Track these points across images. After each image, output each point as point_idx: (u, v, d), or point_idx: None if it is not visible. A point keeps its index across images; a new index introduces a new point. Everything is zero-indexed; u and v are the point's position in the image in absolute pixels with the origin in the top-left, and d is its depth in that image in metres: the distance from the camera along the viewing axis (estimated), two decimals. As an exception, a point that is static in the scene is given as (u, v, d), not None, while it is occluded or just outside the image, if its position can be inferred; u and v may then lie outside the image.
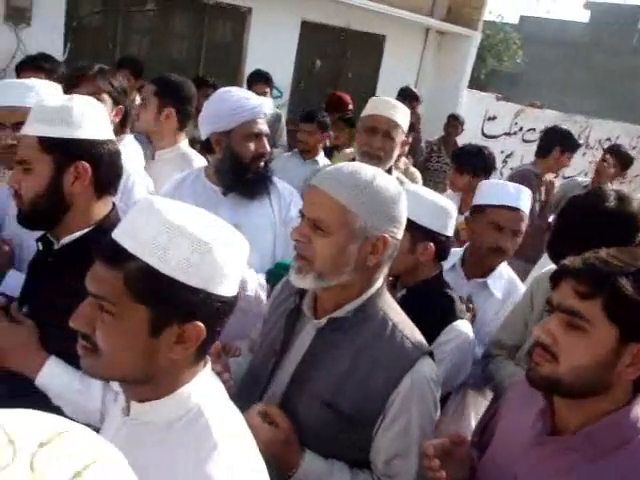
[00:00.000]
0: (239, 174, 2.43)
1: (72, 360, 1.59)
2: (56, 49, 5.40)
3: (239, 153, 2.41)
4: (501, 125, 10.10)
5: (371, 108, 2.97)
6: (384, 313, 1.58)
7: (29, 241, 2.17)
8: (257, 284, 2.32)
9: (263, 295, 2.32)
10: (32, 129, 1.64)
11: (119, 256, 1.04)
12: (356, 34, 8.30)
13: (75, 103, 1.65)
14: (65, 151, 1.62)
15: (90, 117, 1.66)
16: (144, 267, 1.03)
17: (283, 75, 7.40)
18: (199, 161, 3.08)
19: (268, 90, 5.31)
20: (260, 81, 5.37)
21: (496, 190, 2.58)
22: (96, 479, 0.58)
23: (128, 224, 1.08)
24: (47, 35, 5.58)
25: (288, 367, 1.63)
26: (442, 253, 2.14)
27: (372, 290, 1.58)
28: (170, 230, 1.03)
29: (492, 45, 20.84)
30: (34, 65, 3.49)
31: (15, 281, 2.16)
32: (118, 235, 1.08)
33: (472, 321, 2.30)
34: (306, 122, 4.58)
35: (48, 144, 1.61)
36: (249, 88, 5.25)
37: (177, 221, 1.04)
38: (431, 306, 2.01)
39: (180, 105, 3.09)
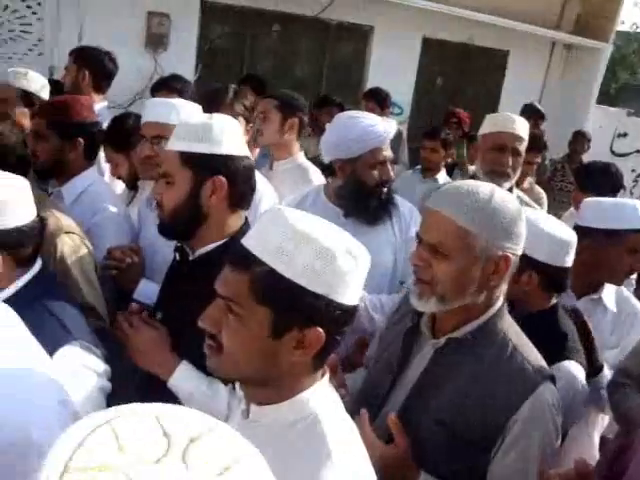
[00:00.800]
0: (362, 201, 2.42)
1: (202, 365, 1.71)
2: (188, 70, 5.75)
3: (363, 181, 2.41)
4: (632, 142, 9.52)
5: (493, 125, 2.91)
6: (504, 334, 1.55)
7: (163, 251, 2.33)
8: (369, 303, 2.33)
9: (377, 315, 2.32)
10: (175, 145, 1.75)
11: (247, 260, 1.10)
12: (478, 50, 8.17)
13: (215, 121, 1.74)
14: (204, 166, 1.71)
15: (228, 134, 1.75)
16: (270, 271, 1.08)
17: (404, 92, 7.43)
18: (315, 173, 3.19)
19: (383, 106, 5.33)
20: (373, 97, 5.39)
21: (633, 213, 2.41)
22: (242, 475, 0.62)
23: (257, 230, 1.14)
24: (181, 58, 5.96)
25: (405, 385, 1.63)
26: (555, 284, 1.99)
27: (493, 310, 1.56)
28: (296, 237, 1.07)
29: (624, 57, 19.73)
30: (167, 86, 3.76)
31: (148, 289, 2.32)
32: (247, 241, 1.14)
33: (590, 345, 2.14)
34: (430, 139, 4.54)
35: (188, 159, 1.71)
36: (365, 105, 5.32)
37: (303, 229, 1.08)
38: (540, 341, 1.91)
39: (302, 115, 3.22)
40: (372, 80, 7.02)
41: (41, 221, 1.64)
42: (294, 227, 1.09)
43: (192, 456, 0.60)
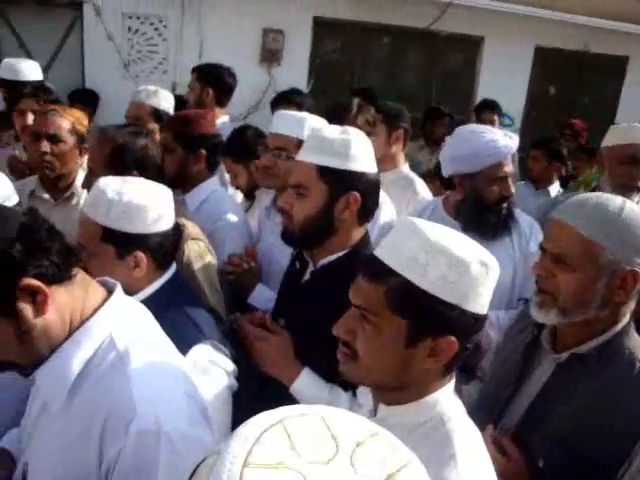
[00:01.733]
0: (481, 216, 2.39)
1: (322, 372, 1.76)
2: (301, 84, 5.91)
3: (483, 196, 2.39)
4: None
5: (621, 137, 2.80)
6: (630, 353, 1.50)
7: (279, 258, 2.41)
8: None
9: (492, 332, 2.28)
10: (310, 157, 1.78)
11: (381, 271, 1.14)
12: (594, 57, 7.83)
13: (352, 137, 1.77)
14: (341, 181, 1.75)
15: (363, 150, 1.78)
16: (404, 282, 1.11)
17: (515, 102, 7.25)
18: (421, 184, 3.22)
19: (496, 118, 5.24)
20: (487, 108, 5.32)
21: None
22: None
23: (390, 242, 1.18)
24: (294, 72, 6.14)
25: (523, 400, 1.61)
26: None
27: (618, 327, 1.51)
28: (430, 248, 1.10)
29: None
30: (287, 99, 3.89)
31: (263, 295, 2.41)
32: (380, 252, 1.18)
33: None
34: (534, 148, 4.41)
35: (326, 173, 1.75)
36: (477, 116, 5.24)
37: (437, 240, 1.11)
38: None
39: (406, 127, 3.25)
40: (482, 91, 6.92)
41: (177, 227, 1.75)
42: (428, 238, 1.11)
43: (359, 460, 0.61)
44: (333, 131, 1.82)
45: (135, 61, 6.00)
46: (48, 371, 1.18)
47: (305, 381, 1.76)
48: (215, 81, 3.90)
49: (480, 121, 4.65)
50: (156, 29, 6.00)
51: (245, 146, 2.99)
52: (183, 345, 1.45)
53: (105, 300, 1.23)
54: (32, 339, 1.13)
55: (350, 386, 1.69)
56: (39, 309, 1.11)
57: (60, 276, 1.13)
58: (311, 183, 1.77)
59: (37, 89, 3.88)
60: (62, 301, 1.15)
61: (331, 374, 1.70)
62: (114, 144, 2.21)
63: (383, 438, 0.67)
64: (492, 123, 4.71)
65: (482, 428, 1.60)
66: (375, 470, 0.61)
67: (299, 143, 2.17)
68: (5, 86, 4.11)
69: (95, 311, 1.20)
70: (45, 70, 6.08)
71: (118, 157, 2.19)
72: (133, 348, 1.20)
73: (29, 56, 6.00)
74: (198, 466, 0.68)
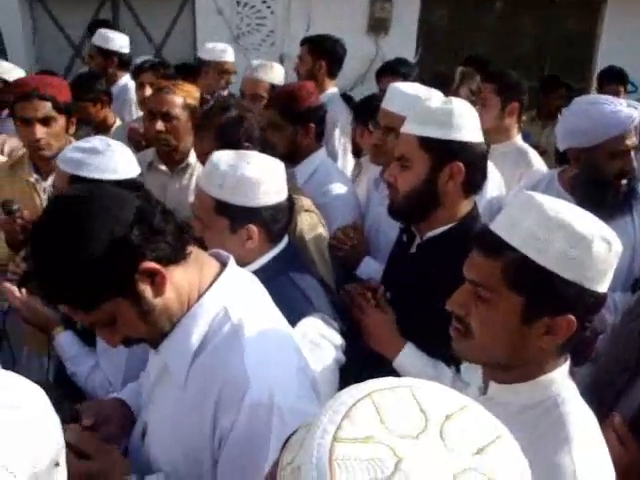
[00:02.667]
0: (598, 193, 2.24)
1: (427, 347, 1.75)
2: (409, 53, 5.80)
3: (601, 172, 2.25)
4: None
5: None
6: None
7: (386, 231, 2.40)
8: None
9: (608, 314, 2.18)
10: (413, 129, 1.77)
11: (498, 247, 1.11)
12: None
13: (455, 106, 1.74)
14: (443, 151, 1.72)
15: (467, 119, 1.74)
16: (522, 258, 1.08)
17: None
18: (535, 156, 3.07)
19: (622, 89, 4.89)
20: (613, 79, 4.96)
21: None
22: (498, 455, 0.61)
23: (507, 217, 1.14)
24: (402, 41, 6.03)
25: (641, 389, 1.54)
26: None
27: None
28: (550, 224, 1.06)
29: None
30: (391, 70, 3.83)
31: (370, 267, 2.42)
32: (497, 227, 1.14)
33: None
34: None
35: (428, 144, 1.73)
36: (600, 87, 4.93)
37: (557, 216, 1.07)
38: None
39: (522, 99, 3.10)
40: (602, 58, 6.49)
41: (290, 200, 1.76)
42: (548, 214, 1.07)
43: (449, 433, 0.61)
44: (435, 101, 1.79)
45: (244, 34, 6.11)
46: (170, 344, 1.23)
47: (408, 356, 1.76)
48: (327, 53, 3.88)
49: (603, 92, 4.36)
50: (264, 2, 6.07)
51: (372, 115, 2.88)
52: (293, 316, 1.47)
53: (219, 274, 1.26)
54: (154, 317, 1.18)
55: (454, 362, 1.67)
56: (158, 290, 1.15)
57: (176, 256, 1.17)
58: (413, 154, 1.75)
59: (156, 64, 4.05)
60: (179, 280, 1.19)
61: (435, 349, 1.72)
62: (220, 122, 2.25)
63: (473, 411, 0.65)
64: (617, 94, 4.40)
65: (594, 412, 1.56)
66: (465, 443, 0.61)
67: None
68: (99, 54, 4.43)
69: (210, 285, 1.23)
70: (160, 45, 6.34)
71: (225, 134, 2.22)
72: (247, 320, 1.22)
73: (144, 32, 6.28)
74: (289, 437, 0.69)
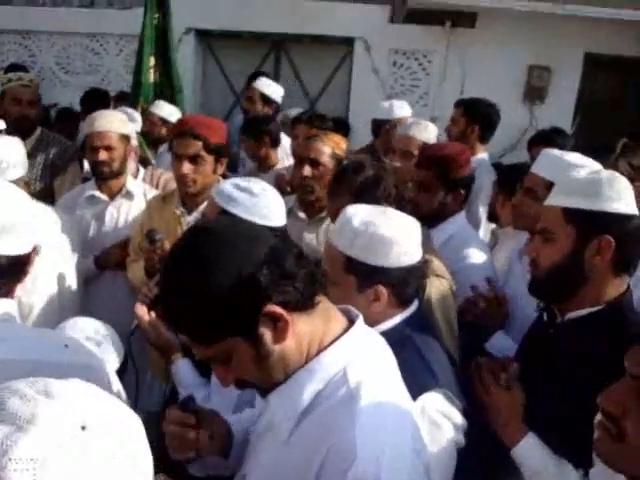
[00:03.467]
0: None
1: (551, 440, 1.59)
2: (565, 124, 5.58)
3: None
4: None
5: None
6: None
7: (524, 306, 2.26)
8: None
9: None
10: (558, 200, 1.67)
11: None
12: None
13: (604, 176, 1.63)
14: (590, 223, 1.60)
15: (619, 191, 1.61)
16: None
17: None
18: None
19: None
20: None
21: None
22: None
23: None
24: (558, 111, 5.83)
25: None
26: None
27: None
28: None
29: None
30: (546, 139, 3.68)
31: (502, 342, 2.27)
32: None
33: None
34: None
35: (573, 215, 1.62)
36: None
37: None
38: None
39: None
40: None
41: (423, 263, 1.69)
42: None
43: None
44: (582, 171, 1.68)
45: (397, 94, 6.19)
46: (280, 396, 1.18)
47: (529, 447, 1.61)
48: (481, 117, 3.82)
49: None
50: (420, 64, 6.14)
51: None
52: (413, 389, 1.35)
53: (345, 331, 1.19)
54: (270, 364, 1.13)
55: (582, 464, 1.49)
56: (279, 336, 1.10)
57: (303, 304, 1.12)
58: (557, 227, 1.65)
59: (312, 117, 4.21)
60: (302, 329, 1.13)
61: (562, 446, 1.57)
62: (357, 182, 2.24)
63: None
64: None
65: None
66: None
67: (549, 186, 2.04)
68: (260, 99, 4.89)
69: (333, 341, 1.17)
70: (315, 100, 6.59)
71: (363, 194, 2.20)
72: (365, 386, 1.13)
73: (302, 87, 6.56)
74: None
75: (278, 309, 1.08)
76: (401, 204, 2.10)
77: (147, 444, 0.83)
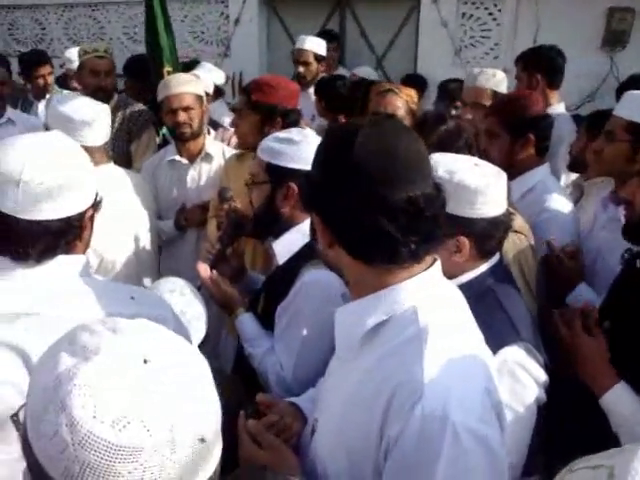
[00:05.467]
0: None
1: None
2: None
3: None
4: None
5: None
6: None
7: (606, 257, 2.19)
8: None
9: None
10: None
11: None
12: None
13: None
14: None
15: None
16: None
17: None
18: None
19: None
20: None
21: None
22: None
23: None
24: (640, 57, 5.50)
25: None
26: None
27: None
28: None
29: None
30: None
31: (585, 295, 2.20)
32: None
33: None
34: None
35: None
36: None
37: None
38: None
39: None
40: None
41: (508, 215, 1.64)
42: None
43: None
44: None
45: (467, 47, 5.99)
46: (344, 314, 1.25)
47: (619, 394, 1.58)
48: (542, 64, 3.62)
49: None
50: (490, 14, 5.90)
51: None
52: (494, 342, 1.33)
53: (423, 271, 1.18)
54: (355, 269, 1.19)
55: None
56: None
57: None
58: None
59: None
60: None
61: None
62: (439, 133, 2.20)
63: None
64: None
65: None
66: None
67: (629, 127, 1.94)
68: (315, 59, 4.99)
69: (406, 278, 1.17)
70: (382, 57, 6.47)
71: (446, 145, 2.17)
72: (435, 328, 1.13)
73: (368, 44, 6.45)
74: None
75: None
76: (481, 156, 2.05)
77: (213, 386, 0.87)
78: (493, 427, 1.10)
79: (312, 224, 1.23)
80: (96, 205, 1.44)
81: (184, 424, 0.79)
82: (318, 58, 5.03)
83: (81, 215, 1.38)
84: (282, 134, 1.99)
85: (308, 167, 1.84)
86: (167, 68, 4.02)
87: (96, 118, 2.51)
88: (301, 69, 4.95)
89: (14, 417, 0.96)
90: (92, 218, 1.45)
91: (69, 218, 1.35)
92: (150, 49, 4.13)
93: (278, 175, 1.91)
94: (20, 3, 7.57)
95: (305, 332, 1.78)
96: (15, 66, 5.56)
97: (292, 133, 1.97)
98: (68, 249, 1.38)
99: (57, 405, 0.76)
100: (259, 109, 2.67)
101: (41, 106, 5.07)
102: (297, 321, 1.81)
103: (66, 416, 0.75)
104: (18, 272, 1.34)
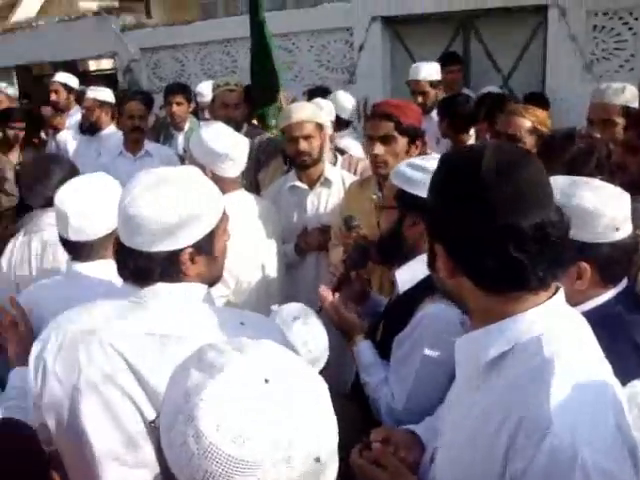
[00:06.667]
0: None
1: None
2: None
3: None
4: None
5: None
6: None
7: None
8: None
9: None
10: None
11: None
12: None
13: None
14: None
15: None
16: None
17: None
18: None
19: None
20: None
21: None
22: None
23: None
24: None
25: None
26: None
27: None
28: None
29: None
30: None
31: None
32: None
33: None
34: None
35: None
36: None
37: None
38: None
39: None
40: None
41: (634, 238, 1.56)
42: None
43: None
44: None
45: (598, 60, 5.73)
46: (468, 341, 1.24)
47: None
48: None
49: None
50: (625, 23, 5.59)
51: None
52: (621, 372, 1.24)
53: (547, 299, 1.17)
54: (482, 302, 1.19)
55: None
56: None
57: None
58: None
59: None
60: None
61: None
62: (570, 153, 2.13)
63: None
64: None
65: None
66: None
67: None
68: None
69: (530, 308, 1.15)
70: (508, 76, 6.33)
71: (576, 165, 2.09)
72: (561, 359, 1.10)
73: (494, 64, 6.34)
74: None
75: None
76: (615, 177, 1.97)
77: (330, 408, 0.91)
78: (625, 466, 1.05)
79: (431, 253, 1.24)
80: (205, 244, 1.50)
81: (301, 443, 0.84)
82: (434, 84, 5.03)
83: (177, 252, 1.45)
84: (417, 161, 1.97)
85: None
86: (283, 93, 4.15)
87: (237, 152, 2.64)
88: (419, 99, 4.95)
89: (152, 423, 1.04)
90: (201, 254, 1.50)
91: (162, 252, 1.44)
92: (262, 76, 4.19)
93: (408, 203, 1.90)
94: (163, 44, 8.24)
95: (420, 365, 1.78)
96: (159, 103, 6.04)
97: (427, 161, 1.94)
98: (173, 280, 1.47)
99: (185, 416, 0.84)
100: (406, 132, 2.65)
101: (180, 137, 5.43)
102: (413, 354, 1.81)
103: (193, 427, 0.83)
104: (140, 296, 1.47)
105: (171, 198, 1.42)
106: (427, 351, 1.76)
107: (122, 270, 1.50)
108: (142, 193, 1.42)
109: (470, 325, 1.27)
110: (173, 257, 1.45)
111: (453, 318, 1.66)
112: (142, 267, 1.45)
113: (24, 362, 1.78)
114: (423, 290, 1.82)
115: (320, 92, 5.40)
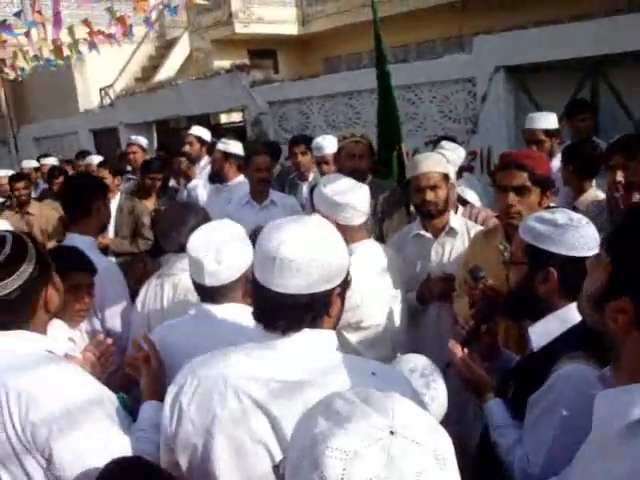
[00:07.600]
0: None
1: None
2: None
3: None
4: None
5: None
6: None
7: None
8: None
9: None
10: None
11: None
12: None
13: None
14: None
15: None
16: None
17: None
18: None
19: None
20: None
21: None
22: None
23: None
24: None
25: None
26: None
27: None
28: None
29: None
30: None
31: None
32: None
33: None
34: None
35: None
36: None
37: None
38: None
39: None
40: None
41: None
42: None
43: None
44: None
45: None
46: (607, 399, 1.19)
47: None
48: None
49: None
50: None
51: None
52: None
53: None
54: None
55: None
56: None
57: None
58: None
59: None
60: None
61: None
62: None
63: None
64: None
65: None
66: None
67: None
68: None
69: None
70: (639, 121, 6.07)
71: None
72: None
73: (626, 110, 6.11)
74: None
75: None
76: None
77: (454, 465, 0.91)
78: None
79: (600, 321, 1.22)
80: (345, 284, 1.54)
81: None
82: (550, 133, 4.91)
83: (329, 292, 1.49)
84: (546, 215, 1.92)
85: (571, 252, 1.81)
86: (403, 144, 4.20)
87: (357, 199, 2.69)
88: (534, 148, 4.84)
89: (275, 467, 1.08)
90: (341, 295, 1.55)
91: (317, 294, 1.47)
92: (387, 128, 4.28)
93: (538, 258, 1.86)
94: (289, 98, 8.66)
95: (559, 427, 1.69)
96: (284, 154, 6.31)
97: (557, 215, 1.89)
98: (316, 324, 1.50)
99: (311, 462, 0.87)
100: (540, 183, 2.63)
101: (305, 187, 5.63)
102: (549, 416, 1.72)
103: (318, 474, 0.86)
104: (272, 341, 1.50)
105: (325, 241, 1.48)
106: (565, 412, 1.68)
107: (262, 313, 1.54)
108: (295, 237, 1.46)
109: (613, 381, 1.22)
110: (326, 298, 1.49)
111: (591, 377, 1.56)
112: (290, 310, 1.48)
113: (155, 395, 1.92)
114: (560, 348, 1.76)
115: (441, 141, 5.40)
